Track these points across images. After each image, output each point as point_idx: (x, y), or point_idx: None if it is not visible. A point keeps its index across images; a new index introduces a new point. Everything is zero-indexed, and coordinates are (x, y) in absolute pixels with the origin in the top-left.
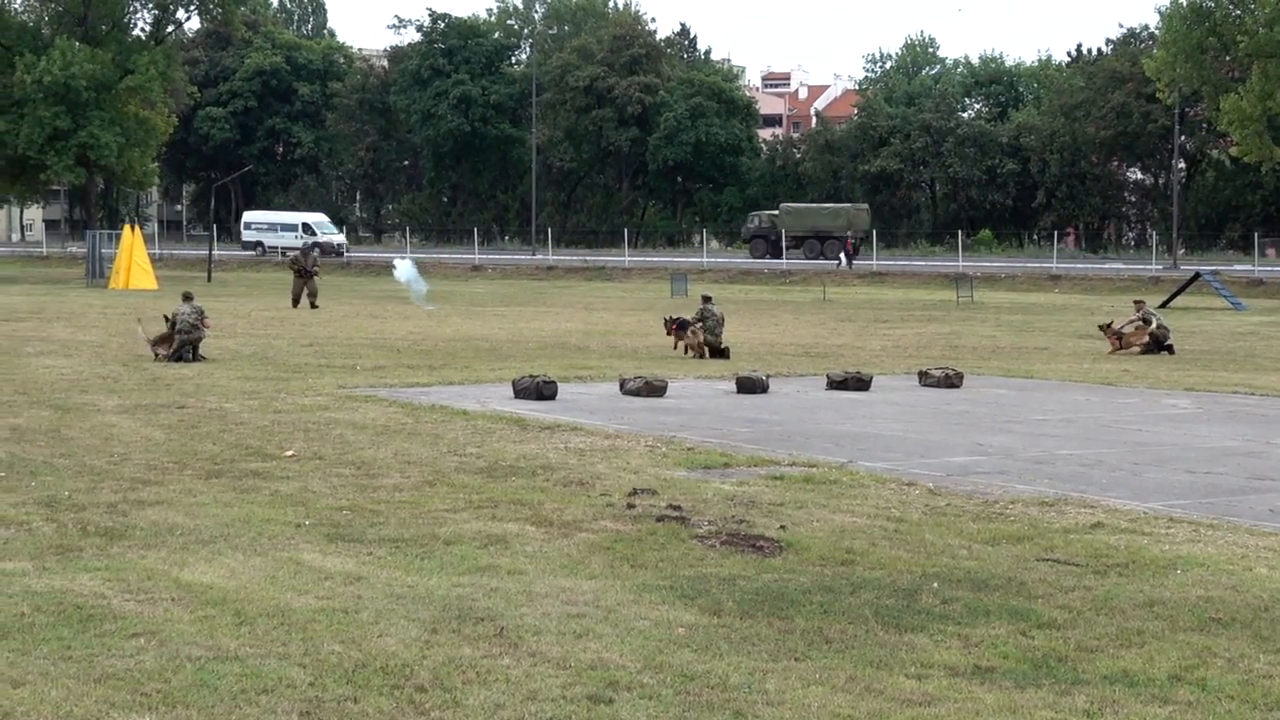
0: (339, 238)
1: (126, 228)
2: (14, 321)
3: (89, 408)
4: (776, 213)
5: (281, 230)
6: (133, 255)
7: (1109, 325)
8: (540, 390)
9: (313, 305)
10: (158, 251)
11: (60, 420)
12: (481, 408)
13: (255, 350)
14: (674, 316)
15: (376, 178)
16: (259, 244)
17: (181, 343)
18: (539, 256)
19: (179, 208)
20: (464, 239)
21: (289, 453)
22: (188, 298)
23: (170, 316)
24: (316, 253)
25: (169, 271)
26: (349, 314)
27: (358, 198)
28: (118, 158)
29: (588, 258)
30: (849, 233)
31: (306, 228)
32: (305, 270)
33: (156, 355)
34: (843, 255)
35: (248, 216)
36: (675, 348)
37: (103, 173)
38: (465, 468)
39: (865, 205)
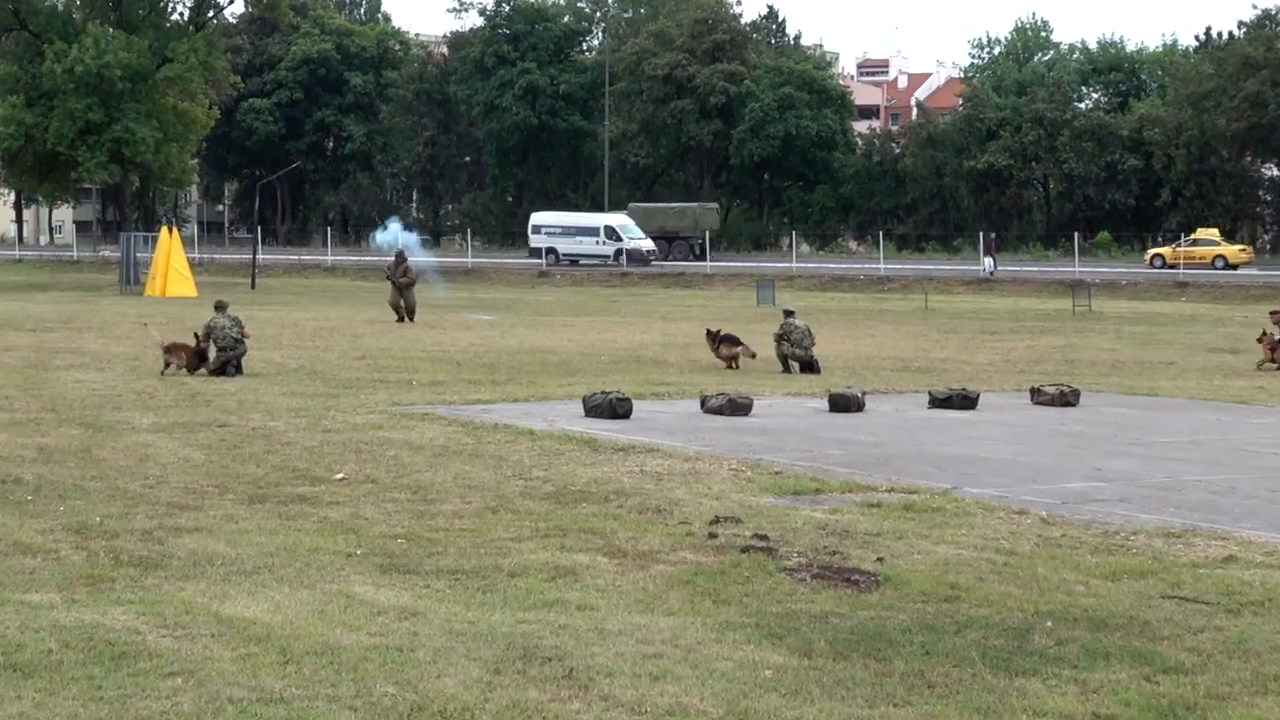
0: (647, 243)
1: (164, 229)
2: (42, 332)
3: (122, 426)
4: (626, 212)
5: (579, 235)
6: (170, 260)
7: (1266, 335)
8: (614, 408)
9: (409, 319)
10: (197, 255)
11: (91, 439)
12: (549, 427)
13: (302, 363)
14: (719, 331)
15: (435, 175)
16: (550, 251)
17: (224, 360)
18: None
19: (220, 208)
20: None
21: (339, 476)
22: (221, 307)
23: (203, 332)
24: (409, 262)
25: (209, 277)
26: (403, 324)
27: (414, 197)
28: (154, 153)
29: (665, 262)
30: (697, 232)
31: (610, 232)
32: (396, 281)
33: (167, 365)
34: (988, 260)
35: (537, 219)
36: (729, 365)
37: (138, 170)
38: (531, 493)
39: (714, 205)
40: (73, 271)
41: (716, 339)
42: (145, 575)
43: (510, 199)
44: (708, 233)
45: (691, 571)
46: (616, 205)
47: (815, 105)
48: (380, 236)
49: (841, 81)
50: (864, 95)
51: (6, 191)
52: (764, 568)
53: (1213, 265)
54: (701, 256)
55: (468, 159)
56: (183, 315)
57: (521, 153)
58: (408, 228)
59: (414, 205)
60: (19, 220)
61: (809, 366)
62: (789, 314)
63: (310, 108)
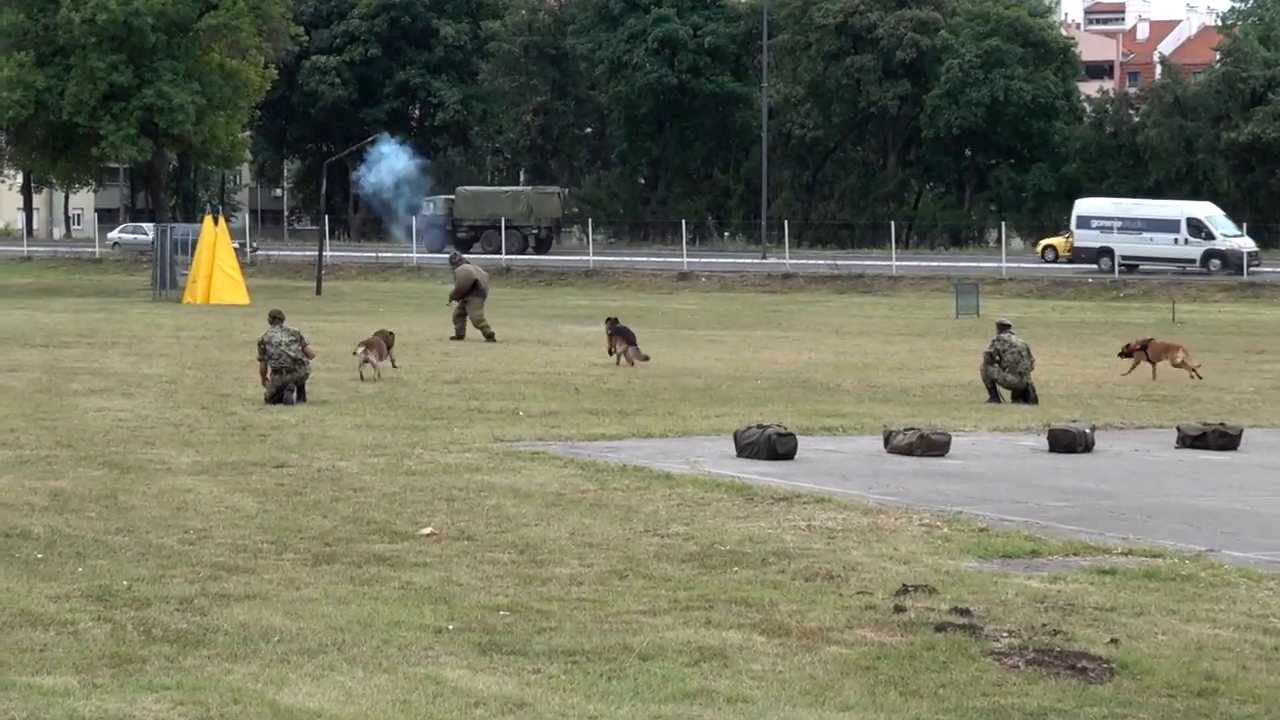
0: (1247, 243)
1: (208, 219)
2: (56, 348)
3: (155, 466)
4: (453, 197)
5: (1148, 231)
6: (216, 258)
7: None
8: (773, 446)
9: (485, 334)
10: (249, 252)
11: (117, 483)
12: (692, 470)
13: (380, 388)
14: (615, 320)
15: (547, 151)
16: (1104, 253)
17: (281, 384)
18: (771, 260)
19: (278, 193)
20: (668, 236)
21: (426, 530)
22: (277, 319)
23: (257, 350)
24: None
25: (264, 280)
26: (510, 338)
27: (521, 178)
28: (195, 124)
29: (839, 261)
30: (535, 223)
31: (1194, 226)
32: (483, 290)
33: (365, 361)
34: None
35: (1086, 207)
36: (613, 358)
37: (175, 145)
38: (668, 553)
39: (554, 189)
40: (94, 272)
41: (614, 328)
42: (183, 654)
43: (642, 180)
44: (555, 222)
45: (872, 655)
46: (777, 189)
47: (1030, 62)
48: (369, 178)
49: (1064, 32)
50: (1093, 49)
51: (12, 173)
52: (965, 651)
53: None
54: (541, 250)
55: (588, 130)
56: (231, 328)
57: (656, 123)
58: (413, 157)
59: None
60: (28, 208)
61: (1023, 395)
62: (1003, 328)
63: (390, 67)
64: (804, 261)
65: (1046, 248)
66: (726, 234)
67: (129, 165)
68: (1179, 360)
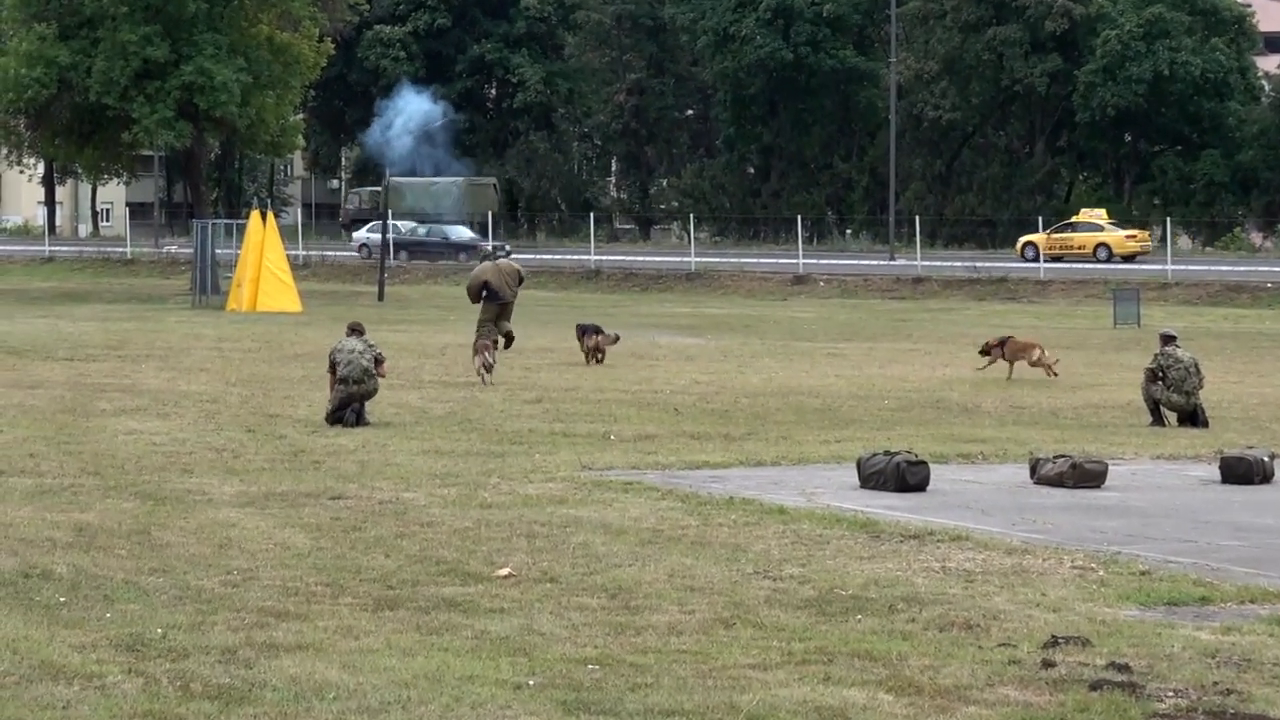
0: None
1: (255, 215)
2: (82, 361)
3: (194, 497)
4: (379, 189)
5: None
6: (264, 258)
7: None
8: (903, 475)
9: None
10: (301, 252)
11: (150, 516)
12: (808, 503)
13: (452, 409)
14: (590, 326)
15: (643, 137)
16: None
17: (346, 397)
18: (900, 261)
19: (335, 184)
20: (781, 234)
21: (504, 572)
22: (356, 331)
23: (332, 358)
24: (506, 257)
25: (318, 284)
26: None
27: (613, 168)
28: (241, 106)
29: (978, 264)
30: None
31: None
32: (494, 293)
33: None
34: None
35: None
36: (588, 362)
37: (218, 130)
38: (782, 599)
39: (489, 179)
40: (125, 275)
41: (581, 329)
42: (226, 713)
43: (751, 170)
44: (489, 215)
45: (1017, 717)
46: (907, 180)
47: (1200, 32)
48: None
49: None
50: (1272, 18)
51: (32, 162)
52: (1124, 713)
53: (1094, 255)
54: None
55: (690, 113)
56: (281, 339)
57: (768, 104)
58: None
59: (612, 179)
60: (50, 202)
61: (1191, 417)
62: (1168, 340)
63: (463, 40)
64: (937, 263)
65: (1026, 245)
66: (848, 231)
67: (165, 153)
68: (1035, 358)
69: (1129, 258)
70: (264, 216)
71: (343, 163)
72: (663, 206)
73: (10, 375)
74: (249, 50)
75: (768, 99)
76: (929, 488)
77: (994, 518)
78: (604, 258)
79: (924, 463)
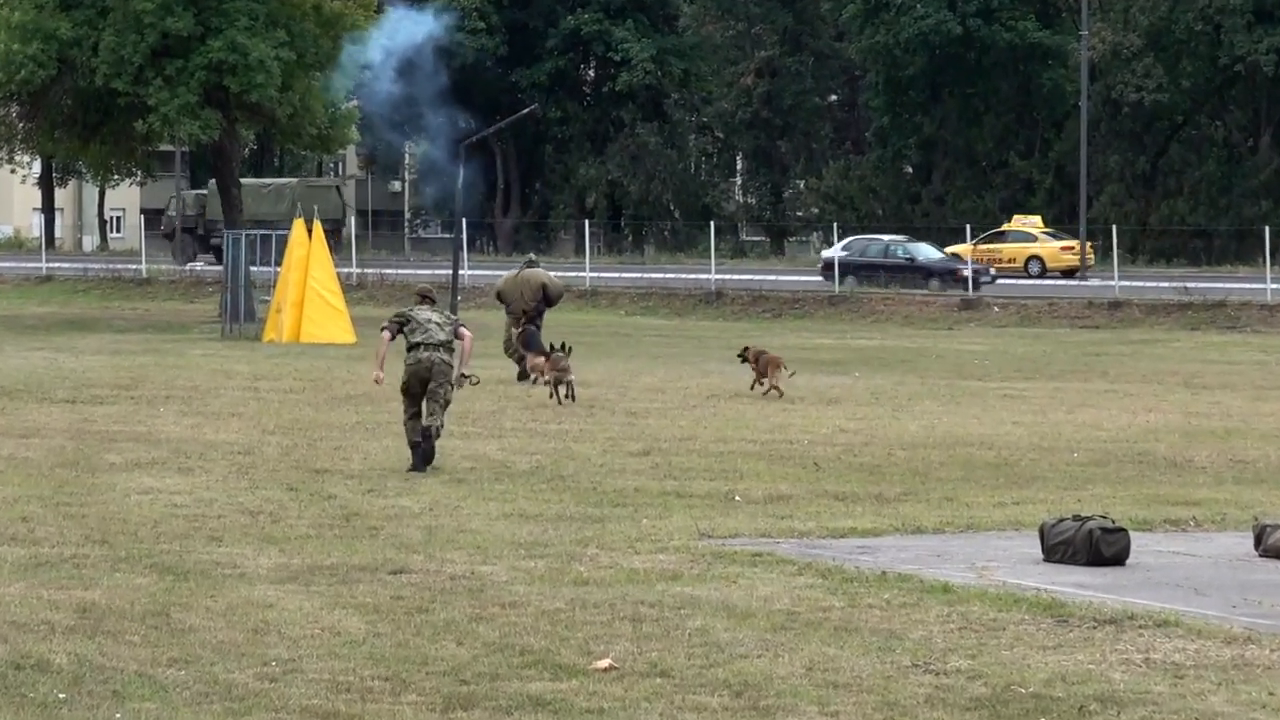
0: None
1: (298, 224)
2: (86, 404)
3: (224, 571)
4: (205, 192)
5: None
6: (309, 278)
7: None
8: (1096, 546)
9: (520, 372)
10: (355, 270)
11: (169, 594)
12: (979, 579)
13: (539, 461)
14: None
15: (775, 128)
16: None
17: (414, 373)
18: (1094, 282)
19: (396, 187)
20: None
21: (603, 664)
22: (427, 299)
23: (392, 324)
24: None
25: (376, 308)
26: (714, 387)
27: (739, 167)
28: (281, 90)
29: (1190, 284)
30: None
31: None
32: (507, 303)
33: (531, 379)
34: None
35: None
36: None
37: (254, 120)
38: (946, 698)
39: (331, 181)
40: (139, 297)
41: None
42: None
43: (908, 169)
44: (335, 224)
45: None
46: (1101, 181)
47: None
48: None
49: None
50: None
51: (27, 161)
52: None
53: (1026, 270)
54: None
55: (833, 99)
56: (330, 377)
57: (930, 88)
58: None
59: (737, 181)
60: (48, 209)
61: None
62: None
63: (554, 10)
64: (1139, 284)
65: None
66: None
67: (189, 149)
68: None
69: (1067, 273)
70: (309, 226)
71: (406, 160)
72: (799, 214)
73: None
74: (291, 21)
75: (929, 81)
76: (1128, 561)
77: (1210, 598)
78: (727, 276)
79: (1123, 530)
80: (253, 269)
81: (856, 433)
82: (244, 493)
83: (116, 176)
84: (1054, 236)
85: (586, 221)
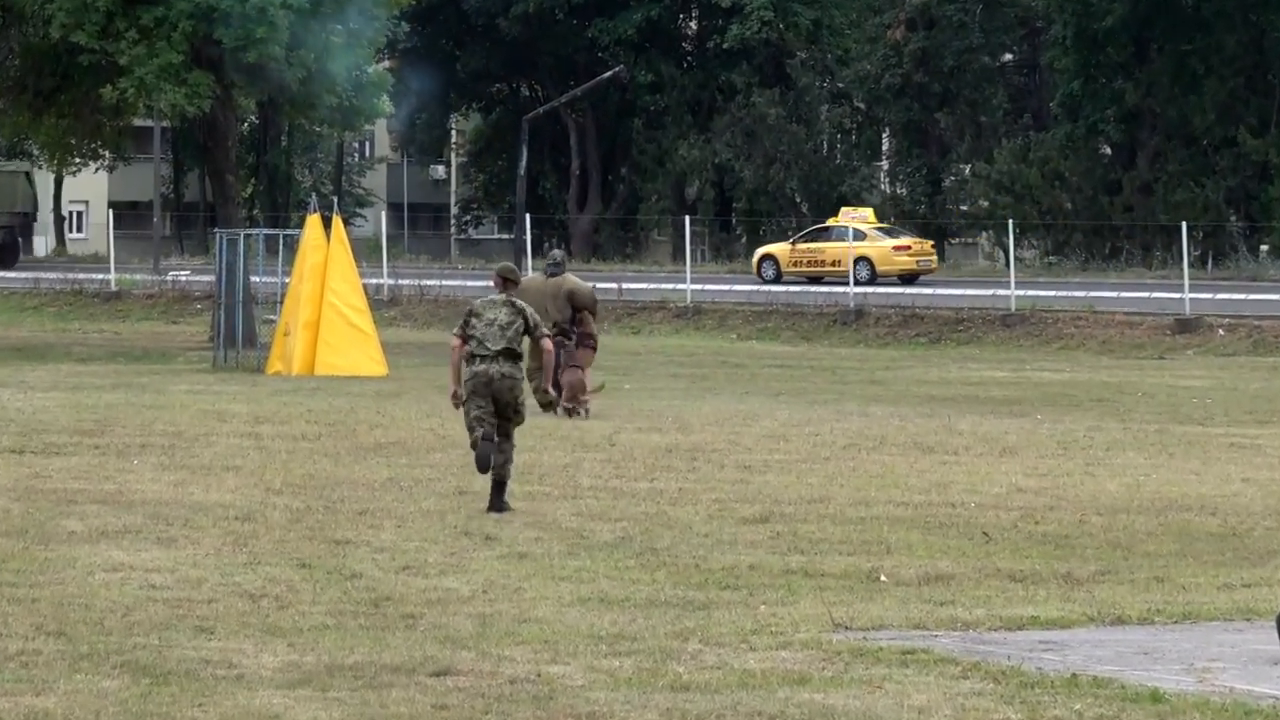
0: None
1: (312, 221)
2: (40, 455)
3: (216, 672)
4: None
5: None
6: (327, 290)
7: None
8: None
9: (544, 403)
10: (386, 281)
11: (146, 702)
12: (1200, 685)
13: (626, 529)
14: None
15: (933, 96)
16: None
17: (473, 387)
18: None
19: (440, 173)
20: (1155, 252)
21: None
22: (507, 281)
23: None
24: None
25: (415, 332)
26: (854, 432)
27: (884, 147)
28: (289, 49)
29: None
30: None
31: None
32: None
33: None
34: None
35: None
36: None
37: (254, 86)
38: None
39: (20, 167)
40: (107, 315)
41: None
42: None
43: (1106, 151)
44: (23, 218)
45: None
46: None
47: None
48: None
49: None
50: None
51: None
52: None
53: (853, 275)
54: (3, 261)
55: (1008, 58)
56: (354, 420)
57: (1133, 43)
58: None
59: (883, 165)
60: None
61: None
62: None
63: None
64: None
65: (764, 260)
66: (1263, 249)
67: (171, 124)
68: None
69: (908, 278)
70: (328, 224)
71: (453, 138)
72: (964, 207)
73: None
74: None
75: (1133, 36)
76: None
77: None
78: (870, 289)
79: None
80: (254, 279)
81: (1039, 493)
82: (242, 570)
83: (78, 160)
84: (887, 233)
85: (687, 218)
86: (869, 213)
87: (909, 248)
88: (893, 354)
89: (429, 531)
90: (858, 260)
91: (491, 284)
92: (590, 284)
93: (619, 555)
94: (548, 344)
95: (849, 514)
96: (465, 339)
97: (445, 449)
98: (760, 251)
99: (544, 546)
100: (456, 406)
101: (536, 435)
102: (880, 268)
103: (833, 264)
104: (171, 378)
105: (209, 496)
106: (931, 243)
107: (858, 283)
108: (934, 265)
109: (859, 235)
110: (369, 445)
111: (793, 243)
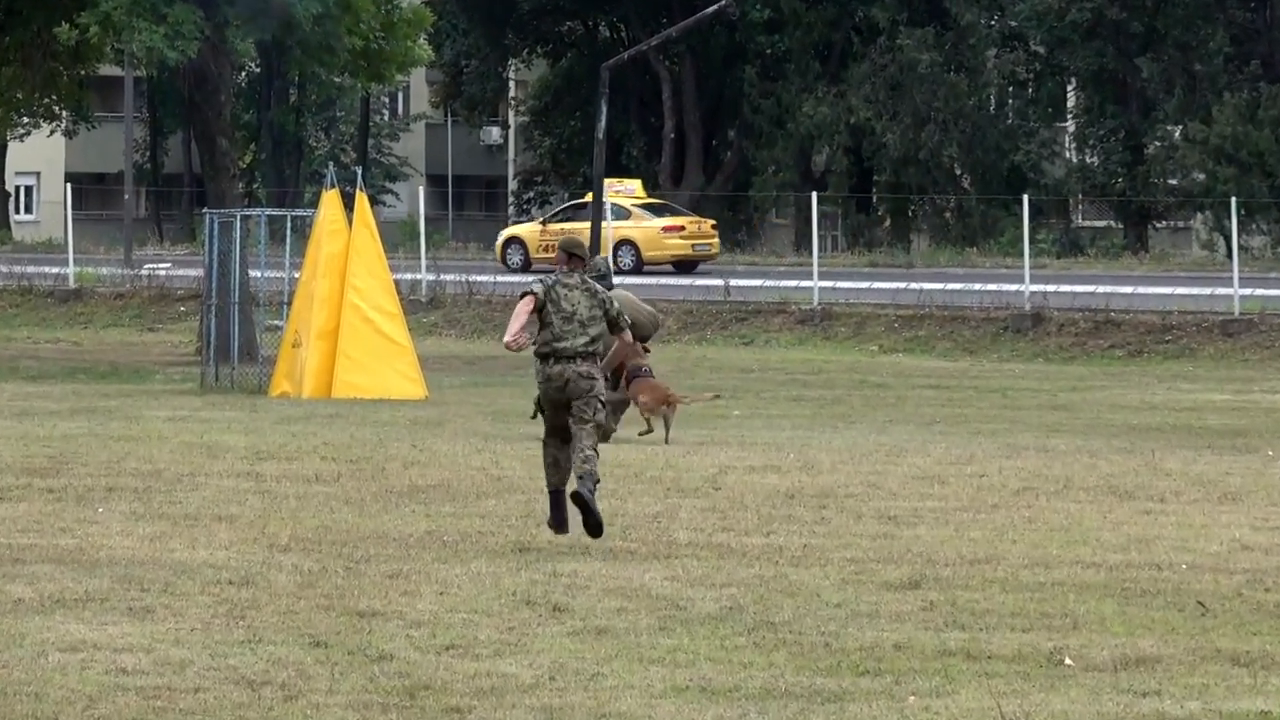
0: None
1: (329, 198)
2: None
3: None
4: None
5: None
6: (348, 288)
7: None
8: None
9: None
10: (425, 277)
11: None
12: None
13: (734, 597)
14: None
15: (1130, 39)
16: None
17: (545, 385)
18: None
19: (495, 135)
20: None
21: None
22: (572, 255)
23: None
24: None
25: (461, 340)
26: (1030, 472)
27: (1069, 103)
28: None
29: None
30: None
31: None
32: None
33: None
34: None
35: None
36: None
37: (256, 26)
38: None
39: None
40: (65, 321)
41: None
42: None
43: None
44: None
45: None
46: None
47: None
48: None
49: None
50: None
51: None
52: None
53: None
54: None
55: None
56: (380, 456)
57: None
58: None
59: (1068, 123)
60: None
61: None
62: None
63: None
64: None
65: (509, 243)
66: None
67: (146, 73)
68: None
69: (681, 265)
70: (349, 202)
71: (511, 92)
72: (1174, 181)
73: None
74: None
75: None
76: None
77: None
78: (1051, 288)
79: None
80: (254, 274)
81: (1269, 551)
82: (238, 650)
83: (27, 120)
84: (654, 211)
85: (814, 195)
86: (637, 185)
87: (681, 229)
88: (1080, 371)
89: (480, 600)
90: (619, 244)
91: (555, 263)
92: (648, 307)
93: (726, 631)
94: (626, 335)
95: (1023, 578)
96: (541, 308)
97: (501, 494)
98: (505, 233)
99: (629, 620)
100: (512, 349)
101: (618, 476)
102: (647, 253)
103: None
104: (148, 401)
105: (195, 554)
106: (712, 222)
107: (620, 272)
108: (714, 250)
109: (621, 213)
110: (402, 489)
111: (543, 223)
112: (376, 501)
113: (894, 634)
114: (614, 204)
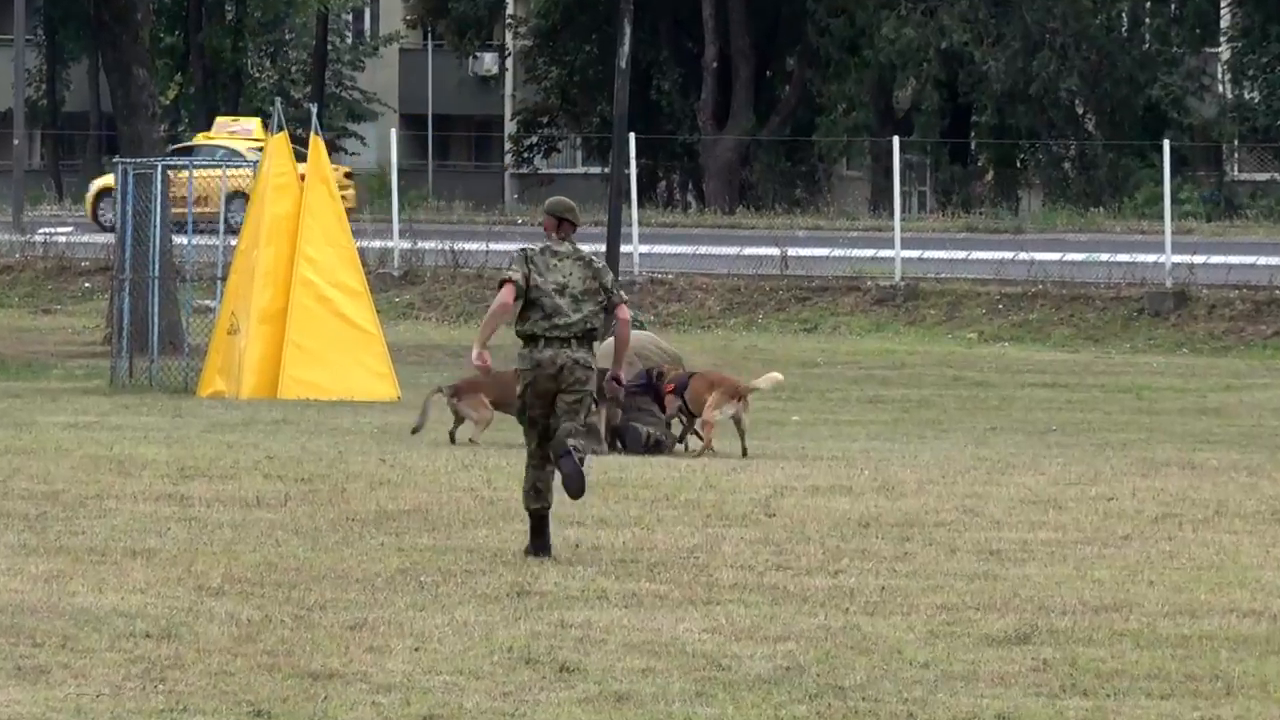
0: None
1: (276, 142)
2: None
3: None
4: None
5: None
6: (300, 260)
7: None
8: None
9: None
10: (398, 244)
11: None
12: None
13: (793, 651)
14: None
15: None
16: None
17: (534, 375)
18: None
19: (488, 65)
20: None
21: None
22: (562, 220)
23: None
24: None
25: (444, 330)
26: (1171, 494)
27: (1222, 25)
28: None
29: None
30: None
31: None
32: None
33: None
34: None
35: None
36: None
37: None
38: None
39: None
40: None
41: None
42: None
43: None
44: None
45: None
46: None
47: None
48: None
49: None
50: None
51: None
52: None
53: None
54: None
55: None
56: (339, 474)
57: None
58: None
59: (1221, 55)
60: None
61: None
62: None
63: None
64: None
65: (100, 196)
66: None
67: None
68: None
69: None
70: (301, 149)
71: (508, 9)
72: None
73: None
74: None
75: None
76: None
77: None
78: (1199, 259)
79: None
80: (179, 241)
81: None
82: None
83: None
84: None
85: (895, 141)
86: (255, 125)
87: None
88: (1236, 365)
89: (466, 658)
90: (232, 197)
91: (543, 229)
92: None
93: (781, 698)
94: (624, 311)
95: (1163, 630)
96: (523, 294)
97: (493, 521)
98: (96, 184)
99: (657, 683)
100: (480, 369)
101: (645, 500)
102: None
103: (200, 202)
104: (42, 403)
105: (103, 599)
106: (347, 169)
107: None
108: (349, 203)
109: (235, 159)
110: (368, 515)
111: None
112: (335, 531)
113: (997, 701)
114: (227, 148)
